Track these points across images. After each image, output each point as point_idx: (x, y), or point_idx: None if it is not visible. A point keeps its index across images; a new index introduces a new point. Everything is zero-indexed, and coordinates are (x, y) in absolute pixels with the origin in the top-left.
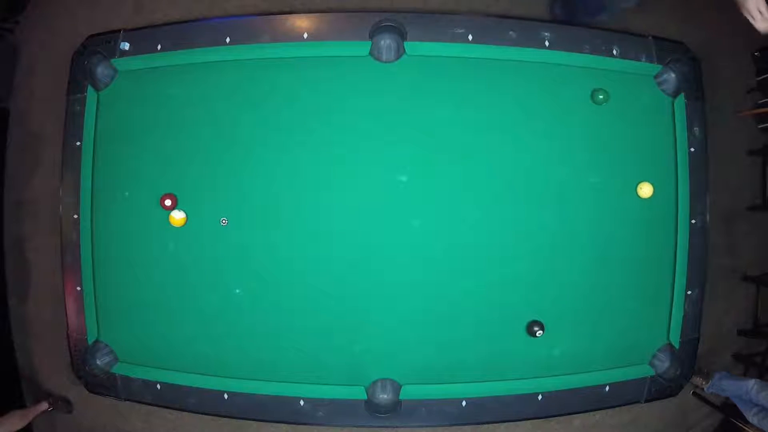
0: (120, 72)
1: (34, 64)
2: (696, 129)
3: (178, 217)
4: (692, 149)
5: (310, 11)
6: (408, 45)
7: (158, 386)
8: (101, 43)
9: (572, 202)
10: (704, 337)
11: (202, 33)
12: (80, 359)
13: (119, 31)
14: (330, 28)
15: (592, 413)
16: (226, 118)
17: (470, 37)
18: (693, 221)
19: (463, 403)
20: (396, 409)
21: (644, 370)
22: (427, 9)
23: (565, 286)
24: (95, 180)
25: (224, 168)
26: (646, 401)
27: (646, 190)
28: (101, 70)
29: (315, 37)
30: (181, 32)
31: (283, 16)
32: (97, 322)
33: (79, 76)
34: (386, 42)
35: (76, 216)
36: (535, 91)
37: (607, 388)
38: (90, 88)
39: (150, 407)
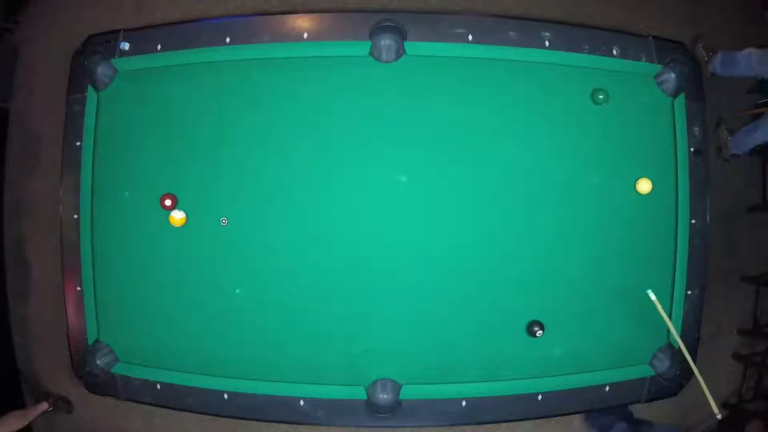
0: (120, 72)
1: (34, 64)
2: (696, 129)
3: (178, 217)
4: (692, 149)
5: (310, 11)
6: (408, 45)
7: (158, 386)
8: (101, 43)
9: (572, 202)
10: (704, 337)
11: (202, 33)
12: (80, 359)
13: (119, 31)
14: (330, 28)
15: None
16: (226, 118)
17: (470, 37)
18: (693, 221)
19: (463, 403)
20: (396, 409)
21: (644, 370)
22: (427, 9)
23: (565, 286)
24: (95, 180)
25: (224, 168)
26: (646, 401)
27: (644, 186)
28: (101, 70)
29: (315, 37)
30: (181, 32)
31: (283, 16)
32: (97, 322)
33: (79, 76)
34: (386, 42)
35: (76, 216)
36: (535, 91)
37: (607, 388)
38: (90, 88)
39: (150, 407)
